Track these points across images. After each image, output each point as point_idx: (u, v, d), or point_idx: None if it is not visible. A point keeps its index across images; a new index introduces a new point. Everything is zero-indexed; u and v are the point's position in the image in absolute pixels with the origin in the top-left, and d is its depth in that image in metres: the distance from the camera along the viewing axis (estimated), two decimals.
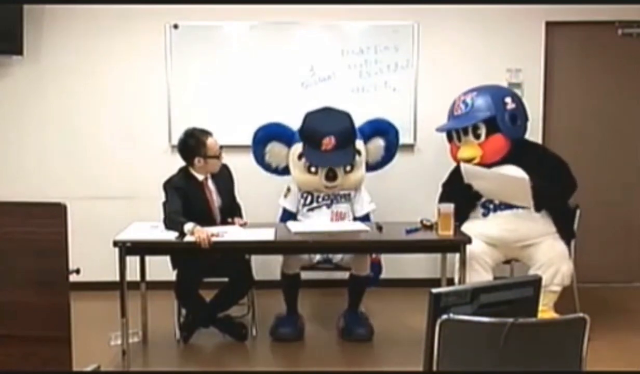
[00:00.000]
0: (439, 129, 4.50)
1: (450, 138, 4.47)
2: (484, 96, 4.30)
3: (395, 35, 5.10)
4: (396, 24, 5.10)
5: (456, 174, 4.33)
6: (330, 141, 4.20)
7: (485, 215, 4.25)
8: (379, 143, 4.50)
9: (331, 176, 4.30)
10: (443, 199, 4.23)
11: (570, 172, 4.19)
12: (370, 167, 4.55)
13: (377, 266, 4.47)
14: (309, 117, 4.36)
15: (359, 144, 4.39)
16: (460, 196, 4.15)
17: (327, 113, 4.39)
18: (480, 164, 4.20)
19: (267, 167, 4.49)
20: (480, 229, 4.16)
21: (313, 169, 4.32)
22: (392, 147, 4.57)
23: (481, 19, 5.13)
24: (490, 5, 5.05)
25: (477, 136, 4.25)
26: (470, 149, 4.26)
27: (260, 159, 4.47)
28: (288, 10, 5.02)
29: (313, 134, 4.26)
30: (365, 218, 4.41)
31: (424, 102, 5.14)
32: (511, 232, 4.16)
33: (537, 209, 4.08)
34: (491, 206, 4.25)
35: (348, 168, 4.35)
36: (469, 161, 4.22)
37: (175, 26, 5.07)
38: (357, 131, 4.40)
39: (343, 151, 4.27)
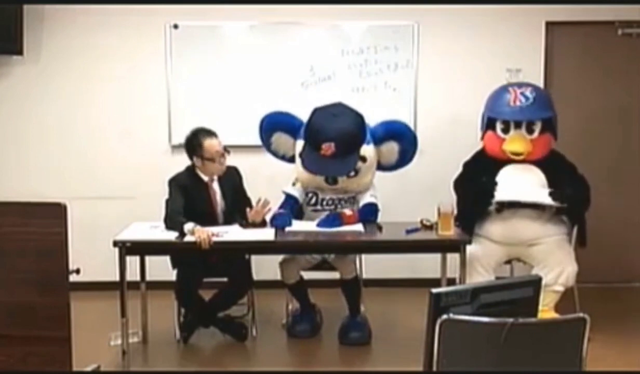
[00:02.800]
0: (493, 115, 4.26)
1: (491, 127, 4.29)
2: (541, 93, 4.28)
3: (395, 35, 5.10)
4: (396, 24, 5.10)
5: (481, 155, 4.35)
6: (329, 147, 3.93)
7: (499, 211, 4.17)
8: (392, 147, 4.14)
9: (331, 181, 4.14)
10: (463, 178, 4.28)
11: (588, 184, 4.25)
12: (382, 168, 4.27)
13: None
14: (316, 114, 4.07)
15: (367, 149, 4.09)
16: (483, 174, 4.18)
17: (335, 113, 4.06)
18: (527, 159, 4.18)
19: (275, 154, 4.35)
20: (492, 226, 4.18)
21: None
22: (408, 153, 4.20)
23: (481, 19, 5.12)
24: (491, 5, 5.05)
25: (530, 132, 4.21)
26: (521, 142, 4.17)
27: (267, 147, 4.33)
28: (288, 10, 5.02)
29: (314, 135, 4.01)
30: (369, 211, 4.19)
31: (424, 102, 5.14)
32: (526, 228, 4.14)
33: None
34: (505, 202, 4.18)
35: (352, 174, 4.10)
36: (516, 154, 4.17)
37: (175, 26, 5.07)
38: (366, 134, 4.11)
39: (342, 160, 4.00)
